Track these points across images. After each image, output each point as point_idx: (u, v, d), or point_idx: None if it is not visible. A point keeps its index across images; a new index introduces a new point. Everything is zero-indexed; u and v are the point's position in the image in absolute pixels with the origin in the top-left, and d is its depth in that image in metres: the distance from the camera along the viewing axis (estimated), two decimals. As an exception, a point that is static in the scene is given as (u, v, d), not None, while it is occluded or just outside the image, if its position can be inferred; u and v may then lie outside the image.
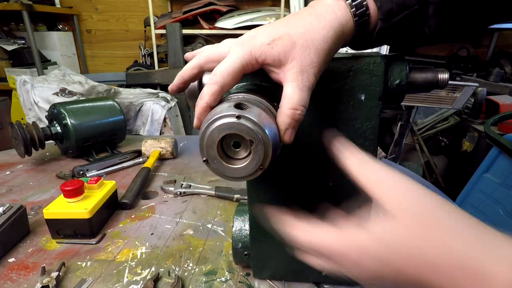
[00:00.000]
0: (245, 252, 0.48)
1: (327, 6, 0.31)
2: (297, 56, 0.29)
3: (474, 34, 0.39)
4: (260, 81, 0.36)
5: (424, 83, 0.37)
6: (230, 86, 0.30)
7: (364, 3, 0.31)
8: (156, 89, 2.20)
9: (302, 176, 0.41)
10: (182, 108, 2.01)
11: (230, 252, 0.51)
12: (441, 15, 0.32)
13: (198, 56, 0.33)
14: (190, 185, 0.77)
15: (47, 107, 1.44)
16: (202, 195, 0.75)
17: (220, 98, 0.31)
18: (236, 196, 0.72)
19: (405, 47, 0.38)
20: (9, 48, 2.41)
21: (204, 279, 0.50)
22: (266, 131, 0.28)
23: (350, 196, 0.32)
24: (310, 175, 0.41)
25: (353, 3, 0.31)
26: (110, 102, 1.03)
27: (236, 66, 0.30)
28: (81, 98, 1.59)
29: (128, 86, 2.31)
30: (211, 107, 0.30)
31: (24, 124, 0.85)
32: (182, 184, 0.77)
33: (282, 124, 0.30)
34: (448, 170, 2.30)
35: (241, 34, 0.32)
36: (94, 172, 0.83)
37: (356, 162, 0.28)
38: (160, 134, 1.71)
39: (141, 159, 0.92)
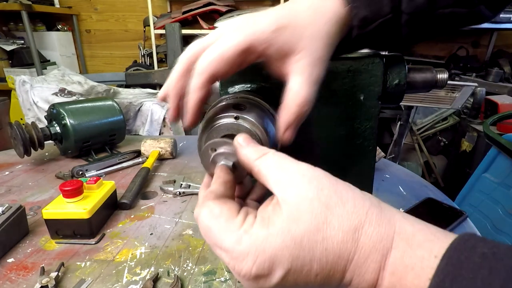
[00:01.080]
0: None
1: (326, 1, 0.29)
2: (307, 46, 0.27)
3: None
4: (258, 81, 0.36)
5: (423, 83, 0.38)
6: (223, 75, 0.27)
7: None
8: (155, 89, 2.20)
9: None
10: (181, 108, 2.01)
11: (230, 252, 0.51)
12: (413, 25, 0.31)
13: (179, 62, 0.28)
14: (190, 185, 0.77)
15: (46, 107, 1.44)
16: (201, 195, 0.75)
17: (210, 88, 0.28)
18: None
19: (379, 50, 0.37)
20: (8, 48, 2.41)
21: (203, 279, 0.50)
22: (264, 132, 0.28)
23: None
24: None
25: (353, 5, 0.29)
26: (110, 102, 1.03)
27: (230, 52, 0.26)
28: (80, 98, 1.59)
29: (127, 86, 2.31)
30: (202, 101, 0.28)
31: (23, 124, 0.84)
32: (182, 184, 0.77)
33: (285, 121, 0.28)
34: (447, 170, 2.31)
35: None
36: (94, 172, 0.83)
37: (254, 154, 0.25)
38: (159, 134, 1.71)
39: (140, 159, 0.92)
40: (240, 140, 0.26)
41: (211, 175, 0.29)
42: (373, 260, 0.20)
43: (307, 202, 0.21)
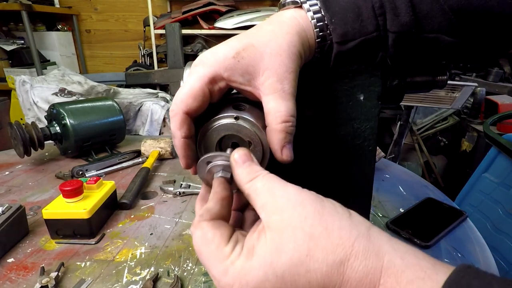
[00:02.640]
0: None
1: (288, 14, 0.30)
2: (269, 65, 0.27)
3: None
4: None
5: (423, 83, 0.37)
6: (197, 110, 0.27)
7: (325, 18, 0.30)
8: (155, 89, 2.20)
9: (301, 181, 0.41)
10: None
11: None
12: (401, 45, 0.31)
13: (173, 118, 0.27)
14: (190, 185, 0.77)
15: (46, 107, 1.44)
16: (201, 195, 0.75)
17: (191, 125, 0.28)
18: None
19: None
20: (8, 48, 2.41)
21: (203, 279, 0.50)
22: (264, 132, 0.28)
23: (352, 201, 0.32)
24: (310, 180, 0.41)
25: (315, 16, 0.29)
26: (110, 102, 1.03)
27: (196, 87, 0.27)
28: (80, 98, 1.59)
29: (127, 86, 2.31)
30: (187, 141, 0.28)
31: (23, 124, 0.84)
32: (182, 184, 0.77)
33: (276, 143, 0.27)
34: (448, 170, 2.31)
35: None
36: (94, 172, 0.83)
37: (246, 177, 0.25)
38: (159, 134, 1.71)
39: (140, 159, 0.92)
40: (237, 157, 0.26)
41: (208, 185, 0.29)
42: None
43: (290, 230, 0.21)
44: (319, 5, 0.30)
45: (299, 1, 0.30)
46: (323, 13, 0.29)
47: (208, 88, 0.27)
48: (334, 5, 0.30)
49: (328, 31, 0.30)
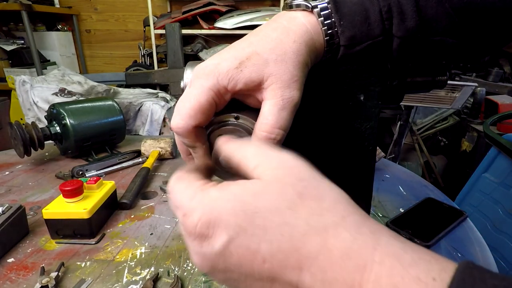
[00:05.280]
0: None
1: (296, 19, 0.28)
2: (274, 71, 0.26)
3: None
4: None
5: (423, 83, 0.38)
6: (205, 123, 0.27)
7: (335, 24, 0.28)
8: (155, 89, 2.20)
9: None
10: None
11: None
12: (405, 50, 0.30)
13: (185, 134, 0.27)
14: (190, 185, 0.77)
15: (46, 107, 1.44)
16: (201, 195, 0.75)
17: (203, 132, 0.28)
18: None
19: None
20: (8, 48, 2.41)
21: (203, 279, 0.50)
22: None
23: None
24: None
25: (325, 22, 0.28)
26: (110, 102, 1.03)
27: (202, 101, 0.26)
28: (80, 98, 1.59)
29: (127, 86, 2.31)
30: (205, 147, 0.28)
31: (23, 124, 0.84)
32: (182, 184, 0.77)
33: None
34: (448, 170, 2.31)
35: (241, 34, 0.30)
36: (94, 172, 0.83)
37: (235, 145, 0.24)
38: (159, 134, 1.71)
39: (140, 159, 0.92)
40: (222, 140, 0.26)
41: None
42: (344, 269, 0.17)
43: (279, 185, 0.20)
44: (329, 9, 0.28)
45: (310, 5, 0.28)
46: (333, 18, 0.28)
47: (215, 101, 0.26)
48: (343, 7, 0.29)
49: (337, 39, 0.29)
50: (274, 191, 0.19)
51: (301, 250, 0.18)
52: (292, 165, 0.21)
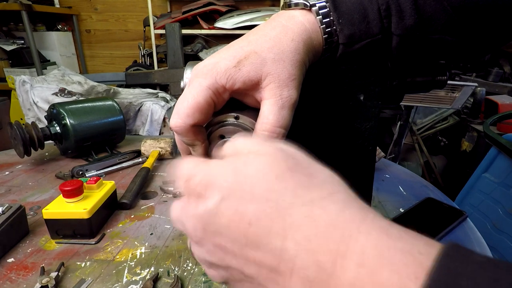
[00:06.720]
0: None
1: (294, 18, 0.28)
2: (271, 70, 0.26)
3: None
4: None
5: (423, 83, 0.38)
6: (204, 122, 0.27)
7: (334, 22, 0.29)
8: (155, 89, 2.20)
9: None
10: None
11: (230, 252, 0.51)
12: (404, 48, 0.30)
13: (184, 133, 0.27)
14: (190, 185, 0.77)
15: (46, 107, 1.44)
16: (201, 195, 0.75)
17: (203, 130, 0.28)
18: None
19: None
20: (8, 48, 2.41)
21: (203, 279, 0.50)
22: None
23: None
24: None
25: (324, 20, 0.28)
26: (110, 102, 1.03)
27: (202, 101, 0.26)
28: (80, 98, 1.59)
29: (127, 86, 2.31)
30: (204, 145, 0.29)
31: (23, 124, 0.84)
32: (182, 184, 0.77)
33: None
34: (448, 169, 2.31)
35: (241, 34, 0.29)
36: (94, 172, 0.83)
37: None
38: (159, 134, 1.71)
39: (140, 159, 0.92)
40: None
41: None
42: (330, 238, 0.17)
43: (271, 158, 0.20)
44: (328, 8, 0.28)
45: (308, 4, 0.29)
46: (331, 16, 0.28)
47: (213, 100, 0.27)
48: (341, 5, 0.29)
49: (336, 37, 0.29)
50: (264, 162, 0.20)
51: (286, 218, 0.18)
52: (287, 148, 0.22)
